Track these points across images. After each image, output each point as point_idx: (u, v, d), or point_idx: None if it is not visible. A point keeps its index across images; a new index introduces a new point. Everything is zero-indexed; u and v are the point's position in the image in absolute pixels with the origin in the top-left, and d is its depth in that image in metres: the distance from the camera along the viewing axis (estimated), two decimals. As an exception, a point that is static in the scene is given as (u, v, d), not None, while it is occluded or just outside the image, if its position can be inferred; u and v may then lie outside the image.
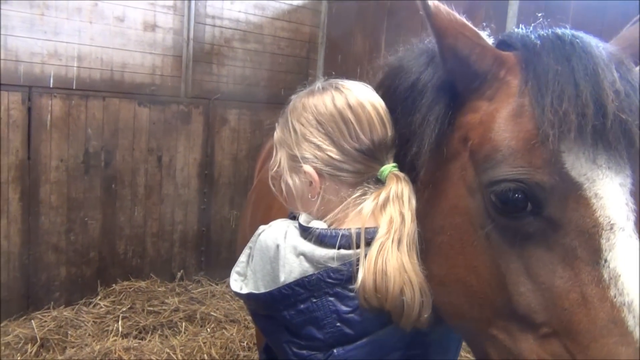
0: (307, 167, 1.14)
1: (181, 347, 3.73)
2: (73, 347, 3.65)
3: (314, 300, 1.03)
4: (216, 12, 4.77)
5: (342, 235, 1.05)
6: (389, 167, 1.14)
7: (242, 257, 1.17)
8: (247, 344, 3.90)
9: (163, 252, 4.77)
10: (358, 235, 1.05)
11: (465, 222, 1.00)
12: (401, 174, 1.12)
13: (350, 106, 1.13)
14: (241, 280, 1.14)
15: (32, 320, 3.86)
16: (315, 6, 5.45)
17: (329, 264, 1.03)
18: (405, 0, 4.61)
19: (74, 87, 4.06)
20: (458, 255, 1.01)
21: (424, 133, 1.08)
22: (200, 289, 4.76)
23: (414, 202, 1.09)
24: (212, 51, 4.81)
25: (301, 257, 1.05)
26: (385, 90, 1.22)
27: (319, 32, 5.51)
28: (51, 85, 3.96)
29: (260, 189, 2.71)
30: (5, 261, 3.89)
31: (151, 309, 4.24)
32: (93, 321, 4.00)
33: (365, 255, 1.02)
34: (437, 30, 1.03)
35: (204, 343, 3.82)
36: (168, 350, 3.67)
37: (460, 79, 1.06)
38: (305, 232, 1.09)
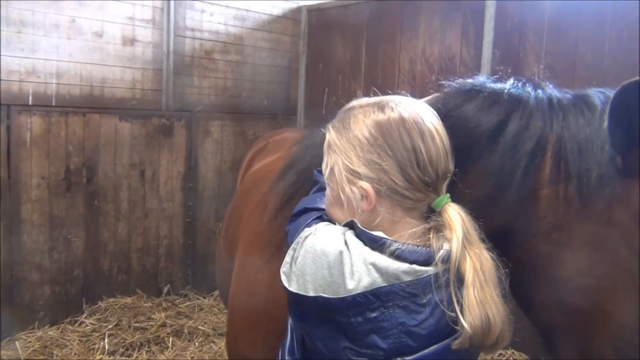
0: (366, 185, 1.13)
1: (169, 363, 3.69)
2: (59, 368, 3.59)
3: (384, 310, 1.06)
4: (195, 25, 4.77)
5: (418, 252, 1.10)
6: (444, 198, 1.16)
7: (287, 258, 1.18)
8: (236, 356, 3.86)
9: (149, 267, 4.72)
10: (438, 254, 1.10)
11: (625, 277, 1.08)
12: (456, 207, 1.15)
13: (422, 135, 1.13)
14: (286, 281, 1.15)
15: (17, 342, 3.79)
16: (295, 16, 5.48)
17: (402, 278, 1.06)
18: (383, 7, 4.67)
19: (53, 104, 4.02)
20: (610, 301, 1.10)
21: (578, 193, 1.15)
22: (187, 303, 4.72)
23: (475, 232, 1.14)
24: (193, 63, 4.80)
25: (370, 267, 1.07)
26: (464, 137, 1.26)
27: (299, 41, 5.54)
28: (30, 103, 3.91)
29: (235, 200, 2.70)
30: (-14, 282, 3.82)
31: (138, 325, 4.19)
32: (79, 340, 3.93)
33: (459, 294, 1.09)
34: (614, 114, 1.06)
35: (192, 358, 3.78)
36: (156, 367, 3.62)
37: (627, 156, 1.10)
38: (374, 242, 1.11)
